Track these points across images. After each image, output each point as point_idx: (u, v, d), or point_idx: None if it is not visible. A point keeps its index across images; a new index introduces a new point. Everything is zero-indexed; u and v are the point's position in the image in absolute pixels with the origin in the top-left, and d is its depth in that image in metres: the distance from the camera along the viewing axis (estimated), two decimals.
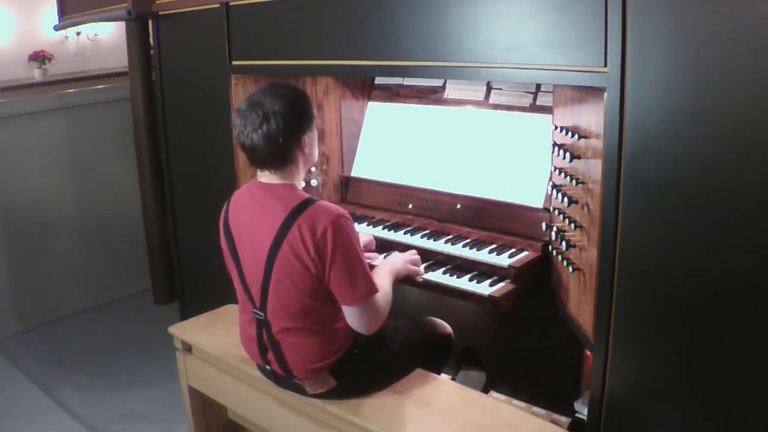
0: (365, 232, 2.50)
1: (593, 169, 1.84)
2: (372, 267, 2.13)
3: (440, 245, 2.38)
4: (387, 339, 2.06)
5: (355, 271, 1.86)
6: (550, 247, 2.22)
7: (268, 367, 2.04)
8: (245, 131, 1.88)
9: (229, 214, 2.04)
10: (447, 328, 2.32)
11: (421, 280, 2.25)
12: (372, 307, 1.91)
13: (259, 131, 1.85)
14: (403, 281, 2.23)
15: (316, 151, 2.06)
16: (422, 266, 2.28)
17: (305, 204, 1.87)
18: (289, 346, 1.95)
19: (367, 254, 2.41)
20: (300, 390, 2.01)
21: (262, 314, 1.97)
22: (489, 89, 2.54)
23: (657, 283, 1.65)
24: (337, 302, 1.91)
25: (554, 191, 2.13)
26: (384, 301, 1.96)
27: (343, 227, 1.85)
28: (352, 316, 1.91)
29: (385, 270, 2.11)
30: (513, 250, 2.26)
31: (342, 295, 1.88)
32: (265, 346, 2.00)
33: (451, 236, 2.43)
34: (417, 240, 2.44)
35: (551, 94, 2.28)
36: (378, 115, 2.86)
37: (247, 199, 2.00)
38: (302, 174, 2.01)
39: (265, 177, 1.97)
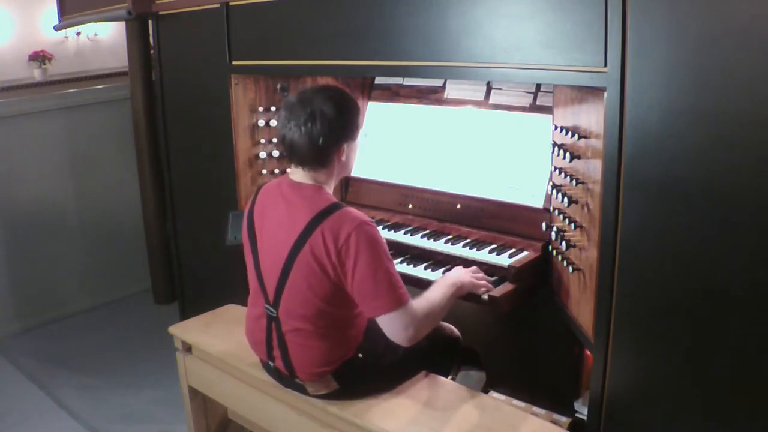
0: None
1: (593, 169, 1.84)
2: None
3: (440, 245, 2.38)
4: (391, 344, 2.00)
5: (378, 279, 1.80)
6: (550, 247, 2.22)
7: (271, 364, 2.03)
8: (289, 125, 1.87)
9: (255, 205, 2.02)
10: (455, 331, 2.26)
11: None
12: (405, 317, 1.82)
13: (303, 128, 1.85)
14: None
15: (353, 162, 2.02)
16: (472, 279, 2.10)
17: (331, 209, 1.84)
18: (296, 347, 1.93)
19: None
20: (301, 390, 2.01)
21: (274, 311, 1.95)
22: (489, 89, 2.54)
23: (657, 283, 1.65)
24: (353, 308, 1.89)
25: (554, 191, 2.13)
26: (425, 312, 1.87)
27: (367, 234, 1.80)
28: (384, 326, 1.85)
29: (446, 281, 2.03)
30: (513, 250, 2.27)
31: (365, 304, 1.84)
32: (272, 343, 1.99)
33: (451, 236, 2.43)
34: (417, 240, 2.44)
35: (551, 94, 2.28)
36: (378, 115, 2.86)
37: (275, 193, 1.98)
38: (335, 180, 1.98)
39: (297, 175, 1.95)
